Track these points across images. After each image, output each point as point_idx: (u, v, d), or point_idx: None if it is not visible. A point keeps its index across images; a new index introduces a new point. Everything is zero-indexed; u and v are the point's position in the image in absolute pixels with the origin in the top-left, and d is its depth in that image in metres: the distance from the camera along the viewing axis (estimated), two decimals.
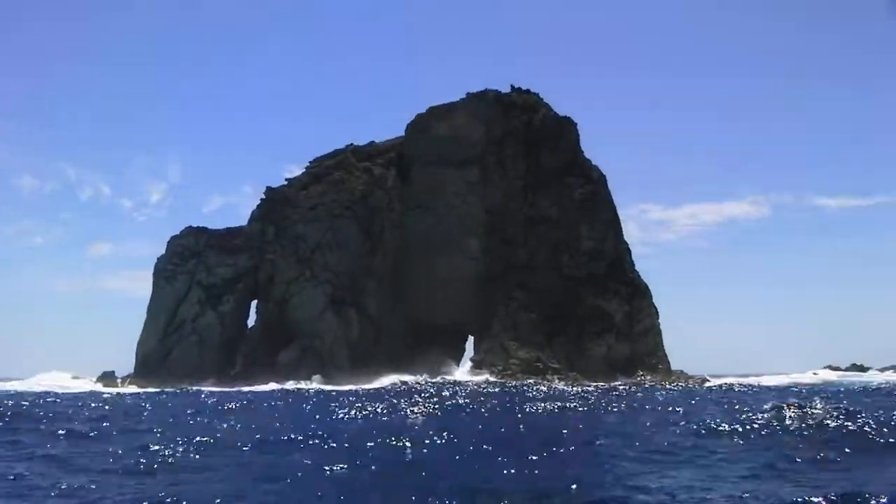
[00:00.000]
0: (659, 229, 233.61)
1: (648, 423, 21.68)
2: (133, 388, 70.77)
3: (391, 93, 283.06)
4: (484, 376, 68.37)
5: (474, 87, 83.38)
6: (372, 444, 17.90)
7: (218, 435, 20.52)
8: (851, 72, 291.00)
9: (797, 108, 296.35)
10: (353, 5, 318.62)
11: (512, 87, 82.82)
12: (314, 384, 68.63)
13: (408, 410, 26.59)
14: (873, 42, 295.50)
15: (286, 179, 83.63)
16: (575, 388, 48.56)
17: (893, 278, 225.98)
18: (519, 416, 25.01)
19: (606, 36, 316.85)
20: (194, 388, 62.91)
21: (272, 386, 64.53)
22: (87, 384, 77.19)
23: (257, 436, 19.75)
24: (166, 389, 59.59)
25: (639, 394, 38.29)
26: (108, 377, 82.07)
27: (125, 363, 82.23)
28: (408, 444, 17.25)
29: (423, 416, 25.67)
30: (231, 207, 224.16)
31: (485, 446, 17.04)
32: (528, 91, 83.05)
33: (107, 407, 33.42)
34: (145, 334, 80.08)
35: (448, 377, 69.40)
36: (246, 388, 60.64)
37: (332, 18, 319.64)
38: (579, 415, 25.77)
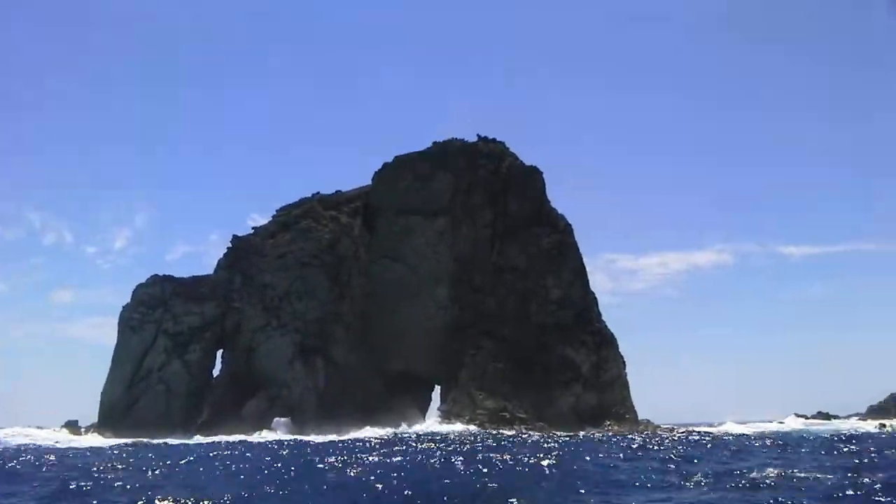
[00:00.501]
0: (628, 278, 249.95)
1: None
2: (97, 439, 77.26)
3: (358, 141, 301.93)
4: (457, 426, 74.77)
5: (440, 135, 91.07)
6: None
7: None
8: (816, 120, 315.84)
9: (762, 157, 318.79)
10: (321, 55, 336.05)
11: (478, 135, 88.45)
12: (279, 434, 74.90)
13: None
14: (836, 91, 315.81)
15: (253, 228, 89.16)
16: (540, 438, 54.22)
17: (855, 326, 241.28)
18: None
19: (575, 84, 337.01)
20: (160, 441, 68.36)
21: (261, 436, 68.46)
22: (52, 434, 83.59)
23: None
24: (128, 441, 64.94)
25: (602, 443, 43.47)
26: (71, 426, 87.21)
27: (88, 411, 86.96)
28: None
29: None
30: (196, 256, 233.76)
31: None
32: (494, 140, 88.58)
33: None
34: (110, 383, 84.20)
35: (420, 428, 75.77)
36: (215, 439, 66.06)
37: (298, 67, 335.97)
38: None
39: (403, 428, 71.53)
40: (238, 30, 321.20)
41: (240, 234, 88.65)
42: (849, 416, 78.79)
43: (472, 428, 69.51)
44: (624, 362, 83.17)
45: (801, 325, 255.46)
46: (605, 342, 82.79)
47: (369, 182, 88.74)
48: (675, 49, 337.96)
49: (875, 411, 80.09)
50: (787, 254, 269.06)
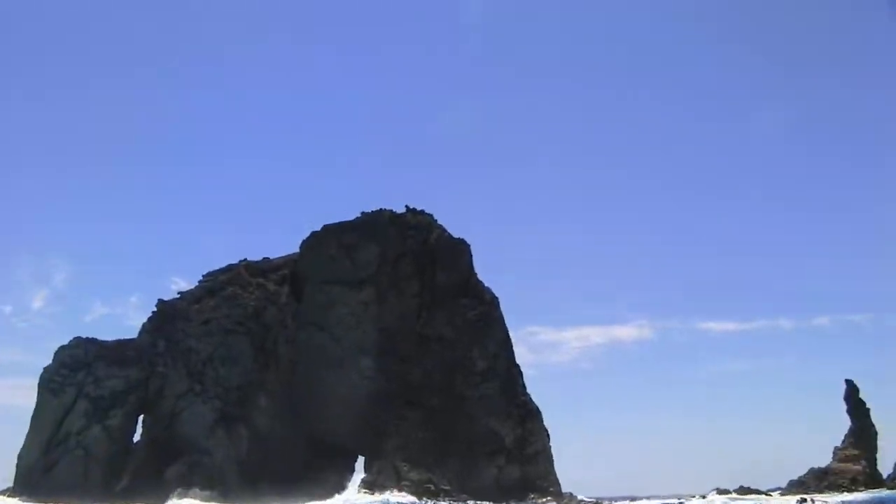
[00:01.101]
0: (549, 351, 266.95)
1: None
2: (12, 503, 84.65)
3: (285, 209, 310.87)
4: (384, 496, 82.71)
5: (369, 206, 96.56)
6: None
7: None
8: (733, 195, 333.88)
9: (679, 232, 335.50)
10: (248, 119, 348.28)
11: (406, 207, 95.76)
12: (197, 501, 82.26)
13: None
14: (767, 156, 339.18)
15: (178, 293, 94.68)
16: None
17: (775, 401, 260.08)
18: None
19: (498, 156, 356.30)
20: None
21: None
22: None
23: None
24: None
25: None
26: None
27: (4, 474, 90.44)
28: None
29: None
30: (115, 317, 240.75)
31: None
32: (422, 211, 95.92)
33: None
34: (27, 446, 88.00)
35: (342, 499, 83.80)
36: None
37: (225, 132, 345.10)
38: None
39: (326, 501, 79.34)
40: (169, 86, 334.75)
41: (164, 298, 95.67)
42: (769, 491, 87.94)
43: (394, 500, 77.86)
44: (548, 435, 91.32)
45: (720, 399, 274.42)
46: (529, 415, 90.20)
47: (297, 250, 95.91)
48: (600, 107, 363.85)
49: (795, 485, 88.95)
50: (707, 329, 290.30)
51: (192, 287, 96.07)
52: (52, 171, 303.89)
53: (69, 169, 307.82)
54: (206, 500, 79.17)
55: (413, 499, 78.62)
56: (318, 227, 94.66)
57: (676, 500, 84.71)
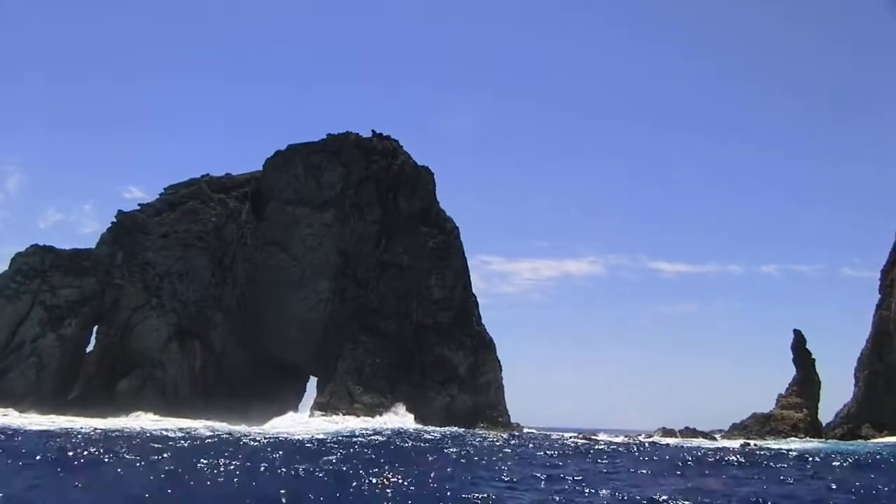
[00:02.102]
0: (499, 281, 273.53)
1: None
2: None
3: (251, 125, 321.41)
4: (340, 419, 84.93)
5: (335, 128, 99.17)
6: None
7: None
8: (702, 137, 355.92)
9: (639, 172, 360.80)
10: (226, 34, 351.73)
11: (373, 132, 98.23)
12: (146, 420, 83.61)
13: None
14: (727, 112, 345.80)
15: (139, 205, 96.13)
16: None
17: (722, 344, 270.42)
18: None
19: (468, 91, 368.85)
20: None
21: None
22: None
23: None
24: None
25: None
26: None
27: None
28: None
29: None
30: (69, 225, 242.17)
31: None
32: (388, 137, 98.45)
33: None
34: None
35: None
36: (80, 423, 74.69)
37: (199, 46, 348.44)
38: None
39: (271, 424, 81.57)
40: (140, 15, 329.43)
41: (121, 209, 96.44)
42: (712, 433, 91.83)
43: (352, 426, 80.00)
44: (500, 366, 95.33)
45: (669, 340, 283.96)
46: (482, 345, 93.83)
47: (260, 168, 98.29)
48: (572, 59, 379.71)
49: (737, 429, 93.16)
50: (658, 269, 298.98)
51: (152, 199, 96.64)
52: (3, 75, 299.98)
53: (21, 73, 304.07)
54: (158, 416, 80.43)
55: (365, 418, 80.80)
56: (282, 146, 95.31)
57: (623, 437, 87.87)
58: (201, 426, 67.11)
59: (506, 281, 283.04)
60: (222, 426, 68.89)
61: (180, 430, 59.97)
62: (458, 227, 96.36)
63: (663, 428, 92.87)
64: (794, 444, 72.40)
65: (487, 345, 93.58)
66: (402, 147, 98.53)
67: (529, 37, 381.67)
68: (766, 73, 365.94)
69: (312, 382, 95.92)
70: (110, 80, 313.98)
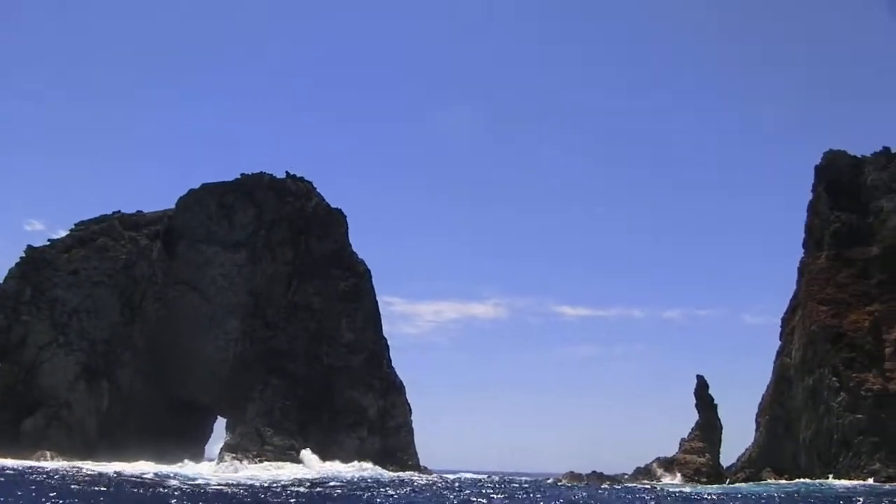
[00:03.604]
0: (401, 323, 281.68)
1: None
2: None
3: (163, 162, 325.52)
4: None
5: (248, 169, 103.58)
6: None
7: None
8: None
9: (540, 217, 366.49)
10: (140, 68, 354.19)
11: (287, 172, 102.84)
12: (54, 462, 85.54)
13: None
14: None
15: (49, 240, 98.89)
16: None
17: (623, 388, 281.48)
18: None
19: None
20: None
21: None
22: None
23: None
24: None
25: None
26: None
27: None
28: None
29: None
30: None
31: None
32: (301, 178, 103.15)
33: None
34: None
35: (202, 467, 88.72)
36: None
37: (111, 78, 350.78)
38: None
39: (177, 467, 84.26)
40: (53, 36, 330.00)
41: (28, 243, 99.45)
42: (618, 476, 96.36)
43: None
44: (410, 409, 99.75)
45: (573, 384, 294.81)
46: (392, 388, 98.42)
47: (172, 206, 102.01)
48: (477, 91, 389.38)
49: (640, 472, 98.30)
50: (561, 313, 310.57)
51: (54, 233, 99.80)
52: None
53: None
54: (64, 459, 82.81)
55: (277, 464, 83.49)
56: (195, 185, 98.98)
57: (525, 480, 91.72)
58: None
59: (408, 322, 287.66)
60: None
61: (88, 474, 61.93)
62: (369, 270, 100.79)
63: (571, 472, 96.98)
64: (692, 488, 76.69)
65: (398, 388, 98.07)
66: (315, 189, 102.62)
67: (436, 73, 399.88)
68: (674, 117, 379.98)
69: (220, 423, 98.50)
70: (15, 102, 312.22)
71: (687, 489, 75.93)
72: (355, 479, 69.37)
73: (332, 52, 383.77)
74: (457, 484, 67.22)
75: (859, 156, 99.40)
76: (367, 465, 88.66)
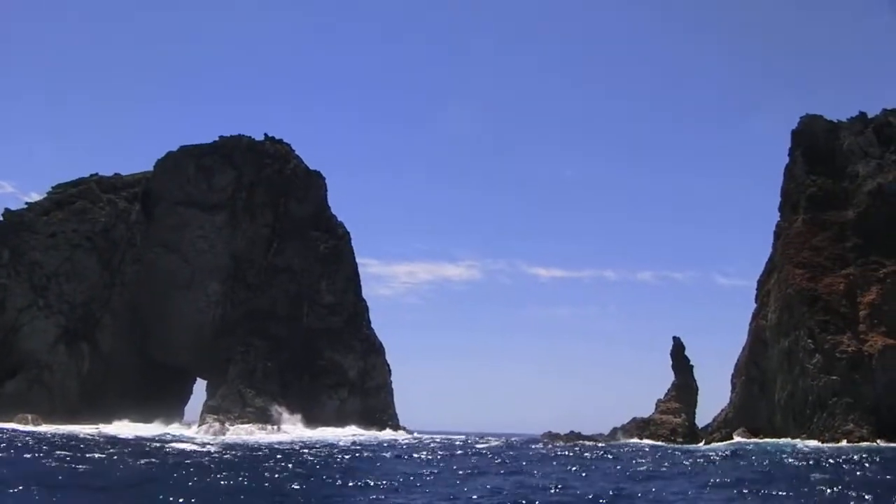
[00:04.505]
0: (375, 284, 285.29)
1: None
2: None
3: (141, 127, 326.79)
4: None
5: (227, 131, 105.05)
6: None
7: None
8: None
9: (515, 180, 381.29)
10: (117, 37, 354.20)
11: (265, 135, 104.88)
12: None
13: None
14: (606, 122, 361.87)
15: (26, 203, 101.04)
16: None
17: (602, 349, 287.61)
18: None
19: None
20: None
21: None
22: None
23: None
24: None
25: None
26: None
27: None
28: None
29: None
30: None
31: None
32: (280, 141, 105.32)
33: None
34: None
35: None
36: None
37: (88, 47, 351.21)
38: None
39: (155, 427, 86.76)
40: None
41: (12, 209, 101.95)
42: (595, 436, 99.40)
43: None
44: (390, 370, 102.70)
45: (548, 345, 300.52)
46: (372, 350, 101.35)
47: (150, 169, 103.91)
48: (457, 68, 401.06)
49: (617, 432, 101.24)
50: (534, 274, 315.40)
51: (26, 196, 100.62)
52: None
53: None
54: (45, 422, 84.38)
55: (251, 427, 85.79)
56: (173, 148, 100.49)
57: (504, 440, 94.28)
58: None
59: (382, 283, 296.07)
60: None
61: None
62: (349, 233, 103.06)
63: (549, 432, 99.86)
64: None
65: (377, 349, 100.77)
66: (294, 151, 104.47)
67: (418, 47, 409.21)
68: (646, 84, 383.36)
69: (199, 385, 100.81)
70: None
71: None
72: (363, 442, 72.08)
73: (308, 18, 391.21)
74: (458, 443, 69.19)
75: (835, 120, 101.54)
76: (356, 429, 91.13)
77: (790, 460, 50.32)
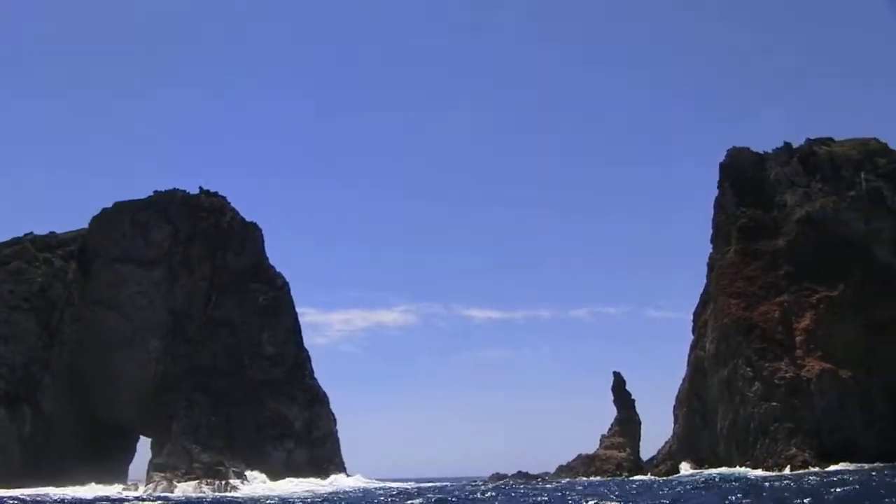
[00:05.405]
0: (310, 332, 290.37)
1: None
2: None
3: (75, 184, 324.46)
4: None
5: (163, 186, 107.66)
6: None
7: None
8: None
9: (445, 222, 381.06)
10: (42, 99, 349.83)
11: (200, 188, 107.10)
12: None
13: None
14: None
15: None
16: None
17: (538, 389, 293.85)
18: None
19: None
20: None
21: None
22: None
23: None
24: None
25: None
26: None
27: None
28: None
29: None
30: None
31: None
32: (216, 194, 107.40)
33: None
34: None
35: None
36: None
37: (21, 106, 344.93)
38: None
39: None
40: None
41: None
42: (542, 475, 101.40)
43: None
44: (334, 419, 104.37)
45: (487, 387, 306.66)
46: (316, 400, 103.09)
47: (85, 226, 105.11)
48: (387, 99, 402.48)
49: (564, 470, 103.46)
50: (469, 316, 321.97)
51: None
52: None
53: None
54: None
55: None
56: (108, 204, 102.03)
57: (449, 483, 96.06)
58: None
59: (317, 332, 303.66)
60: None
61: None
62: (287, 283, 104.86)
63: (496, 473, 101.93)
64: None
65: (321, 399, 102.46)
66: (229, 203, 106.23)
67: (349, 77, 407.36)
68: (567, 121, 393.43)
69: (143, 443, 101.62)
70: None
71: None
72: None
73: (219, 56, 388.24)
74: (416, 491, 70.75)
75: (762, 152, 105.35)
76: (304, 480, 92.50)
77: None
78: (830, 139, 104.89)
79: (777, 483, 57.45)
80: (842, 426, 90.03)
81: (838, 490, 44.98)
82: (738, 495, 45.53)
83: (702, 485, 62.90)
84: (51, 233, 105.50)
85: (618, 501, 45.11)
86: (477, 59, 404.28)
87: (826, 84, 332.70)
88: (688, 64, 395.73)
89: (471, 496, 57.66)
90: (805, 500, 39.14)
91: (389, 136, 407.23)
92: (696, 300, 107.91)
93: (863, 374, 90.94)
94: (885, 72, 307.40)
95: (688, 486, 61.17)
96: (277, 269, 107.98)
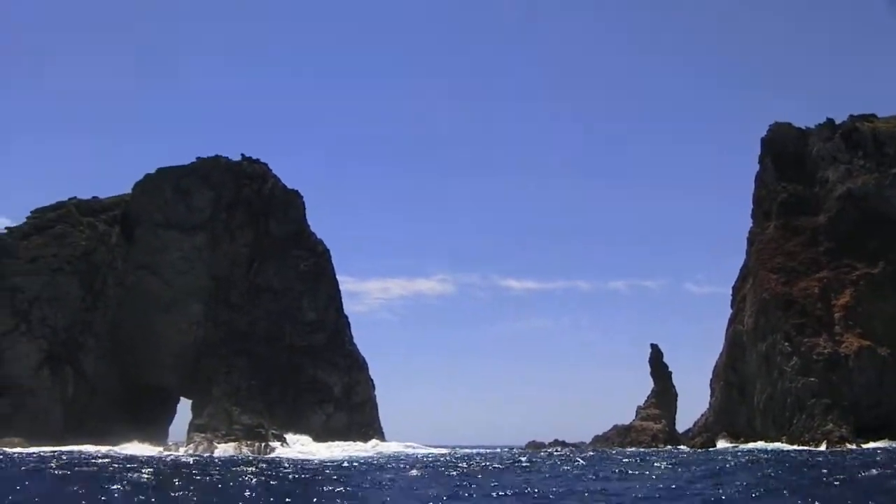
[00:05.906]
0: (348, 300, 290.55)
1: None
2: None
3: (120, 150, 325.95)
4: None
5: (205, 152, 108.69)
6: None
7: None
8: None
9: (485, 195, 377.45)
10: (92, 49, 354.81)
11: (242, 155, 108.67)
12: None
13: None
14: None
15: (5, 228, 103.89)
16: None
17: (577, 359, 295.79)
18: None
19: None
20: None
21: None
22: None
23: None
24: None
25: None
26: None
27: None
28: None
29: None
30: None
31: None
32: (258, 161, 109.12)
33: None
34: None
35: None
36: None
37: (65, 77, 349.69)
38: None
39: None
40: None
41: None
42: (578, 444, 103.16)
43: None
44: (373, 385, 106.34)
45: (524, 356, 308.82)
46: (356, 365, 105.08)
47: (129, 191, 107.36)
48: (429, 76, 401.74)
49: (600, 440, 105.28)
50: (507, 287, 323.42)
51: (13, 222, 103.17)
52: None
53: None
54: (29, 445, 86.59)
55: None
56: (151, 170, 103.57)
57: (486, 450, 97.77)
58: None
59: (355, 300, 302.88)
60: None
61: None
62: (328, 250, 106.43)
63: (533, 441, 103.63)
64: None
65: (360, 365, 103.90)
66: (271, 170, 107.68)
67: (388, 55, 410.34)
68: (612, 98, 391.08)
69: (183, 405, 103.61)
70: None
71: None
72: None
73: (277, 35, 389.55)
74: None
75: (804, 127, 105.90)
76: (358, 443, 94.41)
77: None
78: (874, 115, 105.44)
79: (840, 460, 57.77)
80: (879, 402, 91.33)
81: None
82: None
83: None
84: (94, 198, 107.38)
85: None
86: (532, 34, 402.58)
87: (867, 63, 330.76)
88: (727, 42, 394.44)
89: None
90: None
91: (431, 106, 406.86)
92: (735, 275, 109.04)
93: None
94: None
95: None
96: (319, 237, 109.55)
